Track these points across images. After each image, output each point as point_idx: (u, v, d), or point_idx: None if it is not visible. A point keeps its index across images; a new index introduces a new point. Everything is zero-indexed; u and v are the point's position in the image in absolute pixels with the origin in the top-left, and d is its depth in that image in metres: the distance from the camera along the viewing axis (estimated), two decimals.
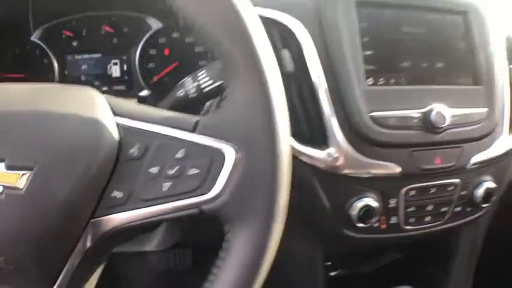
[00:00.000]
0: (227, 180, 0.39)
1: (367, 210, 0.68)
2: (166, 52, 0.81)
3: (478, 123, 0.74)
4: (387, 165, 0.69)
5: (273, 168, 0.40)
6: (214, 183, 0.39)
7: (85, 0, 0.69)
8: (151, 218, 0.40)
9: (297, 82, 0.68)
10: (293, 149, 0.65)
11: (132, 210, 0.39)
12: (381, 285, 0.95)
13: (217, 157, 0.39)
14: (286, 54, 0.67)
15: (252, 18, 0.43)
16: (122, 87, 0.81)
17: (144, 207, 0.39)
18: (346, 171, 0.68)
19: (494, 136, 0.76)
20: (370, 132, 0.67)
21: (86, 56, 0.80)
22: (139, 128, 0.41)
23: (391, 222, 0.72)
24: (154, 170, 0.40)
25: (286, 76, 0.65)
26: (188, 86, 0.63)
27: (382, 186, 0.70)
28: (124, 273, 1.13)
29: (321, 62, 0.67)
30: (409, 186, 0.71)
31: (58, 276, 0.42)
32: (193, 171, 0.39)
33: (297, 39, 0.68)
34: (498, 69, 0.77)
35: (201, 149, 0.40)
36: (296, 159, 0.66)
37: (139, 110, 0.44)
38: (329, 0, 0.70)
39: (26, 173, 0.40)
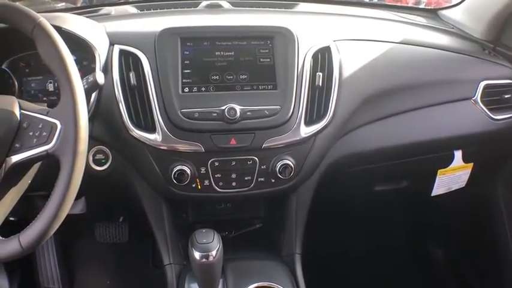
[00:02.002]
0: (57, 138, 0.74)
1: (181, 173, 0.99)
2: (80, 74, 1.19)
3: (271, 117, 0.99)
4: (194, 144, 0.99)
5: (76, 133, 0.75)
6: (52, 139, 0.74)
7: (32, 42, 0.86)
8: (29, 156, 0.76)
9: (139, 91, 1.02)
10: (134, 132, 0.99)
11: (22, 153, 0.77)
12: (246, 246, 1.18)
13: (54, 127, 0.75)
14: (132, 74, 1.01)
15: (67, 58, 0.79)
16: (54, 98, 1.10)
17: (26, 151, 0.77)
18: (166, 147, 1.00)
19: (288, 126, 0.99)
20: (180, 122, 0.99)
21: (34, 78, 1.11)
22: (28, 114, 0.79)
23: (205, 184, 1.01)
24: (30, 133, 0.77)
25: (132, 88, 1.02)
26: None
27: (194, 158, 1.00)
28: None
29: (154, 79, 1.01)
30: (213, 159, 1.01)
31: None
32: (44, 133, 0.75)
33: (142, 64, 1.03)
34: (294, 77, 1.00)
35: (47, 123, 0.76)
36: (136, 139, 1.00)
37: (32, 106, 0.81)
38: (162, 38, 1.04)
39: None
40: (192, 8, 1.33)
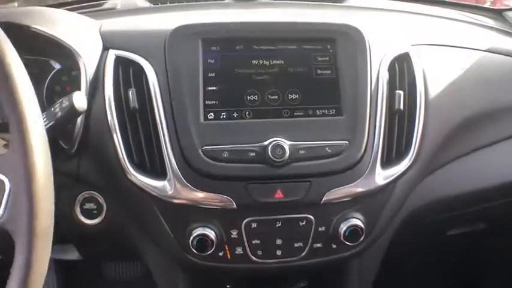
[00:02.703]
0: (5, 205, 0.50)
1: (202, 240, 0.70)
2: (68, 88, 0.90)
3: (335, 157, 0.72)
4: (221, 198, 0.70)
5: (31, 200, 0.49)
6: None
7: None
8: None
9: (142, 118, 0.73)
10: (134, 177, 0.71)
11: None
12: None
13: (2, 186, 0.50)
14: (131, 93, 0.72)
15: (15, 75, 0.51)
16: None
17: None
18: (180, 201, 0.71)
19: (358, 171, 0.73)
20: (202, 165, 0.70)
21: None
22: None
23: (236, 252, 0.73)
24: None
25: (131, 112, 0.71)
26: None
27: (222, 217, 0.72)
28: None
29: (163, 99, 0.72)
30: (249, 219, 0.72)
31: None
32: None
33: (146, 77, 0.74)
34: (366, 98, 0.75)
35: None
36: (137, 188, 0.72)
37: None
38: (176, 39, 0.75)
39: None
40: (219, 1, 1.15)
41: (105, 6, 1.12)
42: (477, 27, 1.12)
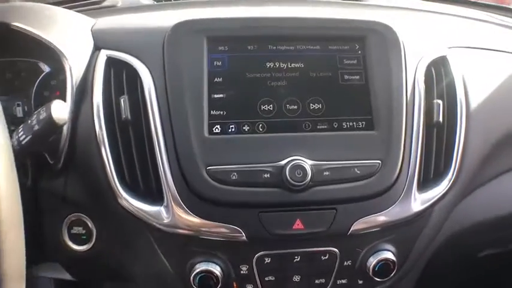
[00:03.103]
0: None
1: (205, 277, 0.59)
2: (58, 93, 0.80)
3: (366, 179, 0.61)
4: (229, 228, 0.59)
5: None
6: None
7: None
8: None
9: (135, 130, 0.63)
10: (126, 201, 0.61)
11: None
12: None
13: None
14: (123, 101, 0.62)
15: None
16: None
17: None
18: (179, 231, 0.60)
19: (392, 196, 0.62)
20: (205, 189, 0.59)
21: None
22: None
23: None
24: None
25: (123, 123, 0.61)
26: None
27: (229, 251, 0.61)
28: None
29: (161, 108, 0.62)
30: (262, 253, 0.61)
31: None
32: None
33: (141, 82, 0.63)
34: (402, 109, 0.64)
35: None
36: (129, 213, 0.61)
37: None
38: (176, 37, 0.64)
39: None
40: None
41: (106, 3, 1.04)
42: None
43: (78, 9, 0.94)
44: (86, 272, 0.82)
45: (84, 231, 0.68)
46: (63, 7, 0.94)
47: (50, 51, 0.67)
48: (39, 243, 0.69)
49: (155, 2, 1.06)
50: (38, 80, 0.79)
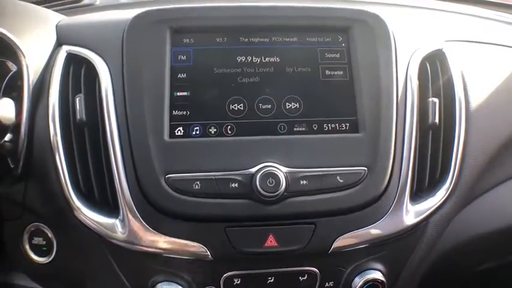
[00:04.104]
0: None
1: None
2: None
3: (349, 189, 0.55)
4: (191, 245, 0.53)
5: None
6: None
7: None
8: None
9: (90, 133, 0.57)
10: (80, 212, 0.56)
11: None
12: None
13: None
14: (78, 100, 0.57)
15: None
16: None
17: None
18: (136, 247, 0.54)
19: (380, 207, 0.56)
20: (164, 201, 0.53)
21: None
22: None
23: None
24: None
25: (78, 125, 0.57)
26: None
27: (193, 270, 0.55)
28: None
29: (118, 108, 0.56)
30: (230, 273, 0.55)
31: None
32: None
33: (99, 79, 0.58)
34: (391, 108, 0.58)
35: None
36: (84, 226, 0.56)
37: None
38: (136, 29, 0.58)
39: None
40: None
41: (84, 2, 1.01)
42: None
43: (56, 8, 0.91)
44: (50, 284, 0.78)
45: (44, 242, 0.64)
46: (41, 6, 0.91)
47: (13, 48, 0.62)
48: (2, 251, 0.65)
49: (134, 0, 1.01)
50: (5, 81, 0.74)
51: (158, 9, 0.60)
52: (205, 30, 0.59)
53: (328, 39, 0.60)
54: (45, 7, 0.90)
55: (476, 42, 0.76)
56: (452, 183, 0.61)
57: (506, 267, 1.03)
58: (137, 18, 0.59)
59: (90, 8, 0.97)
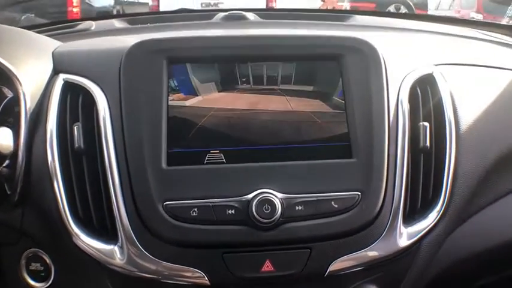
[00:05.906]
0: None
1: None
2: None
3: (344, 213, 0.56)
4: (189, 271, 0.54)
5: None
6: None
7: None
8: None
9: (89, 161, 0.58)
10: (78, 239, 0.56)
11: None
12: None
13: None
14: (76, 129, 0.58)
15: None
16: None
17: None
18: (134, 273, 0.55)
19: (374, 231, 0.57)
20: (162, 227, 0.54)
21: None
22: None
23: None
24: None
25: (76, 154, 0.57)
26: None
27: None
28: None
29: (115, 137, 0.57)
30: None
31: None
32: None
33: (97, 108, 0.59)
34: (383, 133, 0.59)
35: None
36: (82, 252, 0.57)
37: None
38: (134, 58, 0.60)
39: None
40: (204, 21, 1.03)
41: (80, 27, 1.02)
42: (505, 47, 0.96)
43: (50, 33, 0.92)
44: None
45: (42, 268, 0.64)
46: (35, 31, 0.91)
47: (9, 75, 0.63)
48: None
49: (129, 25, 1.02)
50: (1, 106, 0.75)
51: (155, 39, 0.61)
52: (201, 60, 0.60)
53: (322, 66, 0.62)
54: (41, 32, 0.91)
55: (465, 65, 0.77)
56: (444, 205, 0.62)
57: (506, 281, 1.03)
58: (134, 47, 0.60)
59: (86, 33, 0.97)
